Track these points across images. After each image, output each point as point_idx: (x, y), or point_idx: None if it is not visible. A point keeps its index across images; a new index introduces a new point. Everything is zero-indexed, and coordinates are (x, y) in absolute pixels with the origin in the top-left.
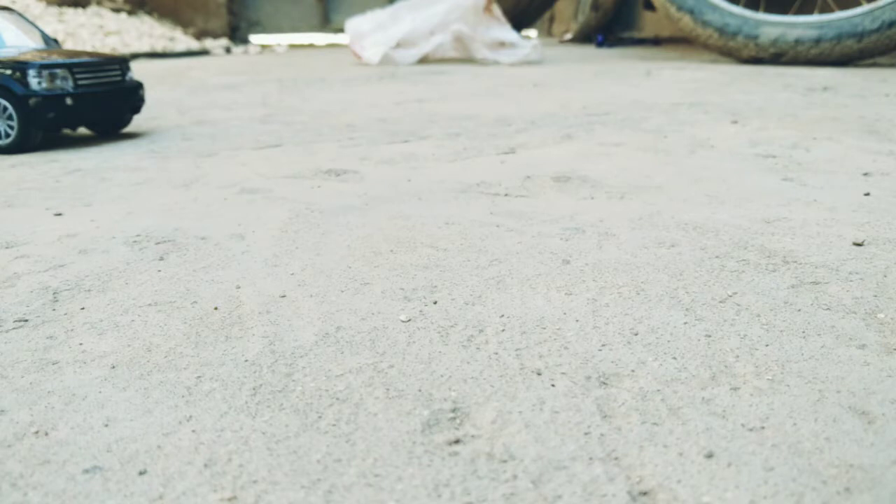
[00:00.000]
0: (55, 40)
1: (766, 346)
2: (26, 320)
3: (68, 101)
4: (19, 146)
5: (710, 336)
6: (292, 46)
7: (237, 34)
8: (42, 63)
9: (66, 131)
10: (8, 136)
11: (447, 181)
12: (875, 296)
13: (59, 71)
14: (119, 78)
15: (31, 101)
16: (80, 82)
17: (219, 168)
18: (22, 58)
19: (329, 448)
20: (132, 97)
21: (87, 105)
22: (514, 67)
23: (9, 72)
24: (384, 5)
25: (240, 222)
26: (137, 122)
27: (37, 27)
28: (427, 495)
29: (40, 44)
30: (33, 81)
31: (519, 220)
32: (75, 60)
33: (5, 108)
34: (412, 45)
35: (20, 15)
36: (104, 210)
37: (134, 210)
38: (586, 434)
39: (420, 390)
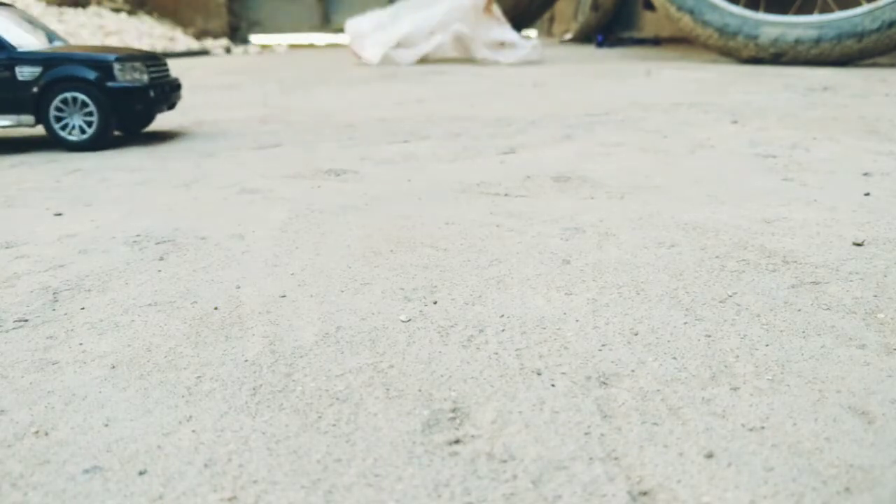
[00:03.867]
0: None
1: (766, 346)
2: (26, 320)
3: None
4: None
5: (710, 336)
6: (292, 46)
7: (237, 34)
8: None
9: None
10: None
11: (447, 181)
12: (875, 296)
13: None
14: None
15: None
16: (153, 76)
17: (219, 168)
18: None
19: (329, 448)
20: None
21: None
22: (514, 67)
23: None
24: (384, 5)
25: (240, 222)
26: None
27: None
28: (427, 495)
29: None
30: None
31: (519, 220)
32: (148, 54)
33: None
34: (412, 45)
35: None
36: (104, 210)
37: (134, 210)
38: (586, 434)
39: (420, 390)
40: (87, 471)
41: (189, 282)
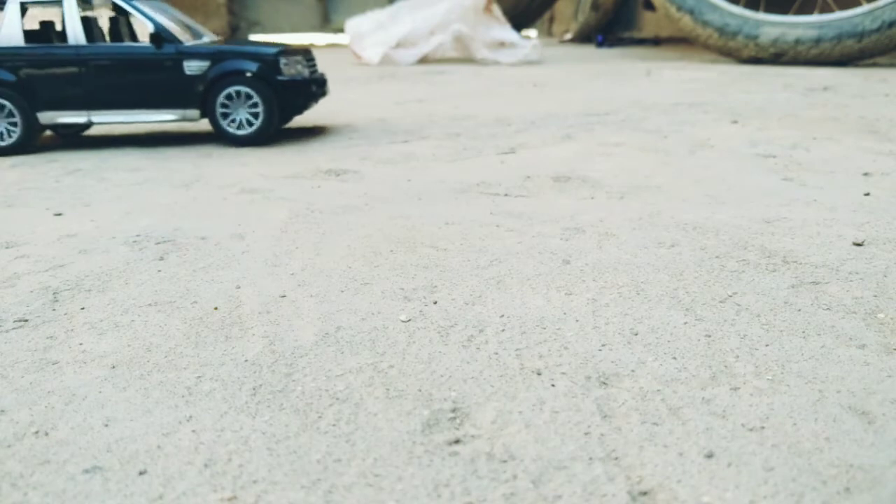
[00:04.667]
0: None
1: (766, 346)
2: (26, 320)
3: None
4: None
5: (710, 336)
6: None
7: (237, 34)
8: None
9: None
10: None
11: (447, 181)
12: (875, 296)
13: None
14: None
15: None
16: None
17: (218, 168)
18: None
19: (329, 448)
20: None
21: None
22: (514, 67)
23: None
24: (384, 5)
25: (240, 222)
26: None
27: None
28: (427, 495)
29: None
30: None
31: (519, 220)
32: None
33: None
34: (412, 44)
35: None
36: (104, 210)
37: (134, 210)
38: (586, 434)
39: (420, 390)
40: (87, 471)
41: (189, 282)
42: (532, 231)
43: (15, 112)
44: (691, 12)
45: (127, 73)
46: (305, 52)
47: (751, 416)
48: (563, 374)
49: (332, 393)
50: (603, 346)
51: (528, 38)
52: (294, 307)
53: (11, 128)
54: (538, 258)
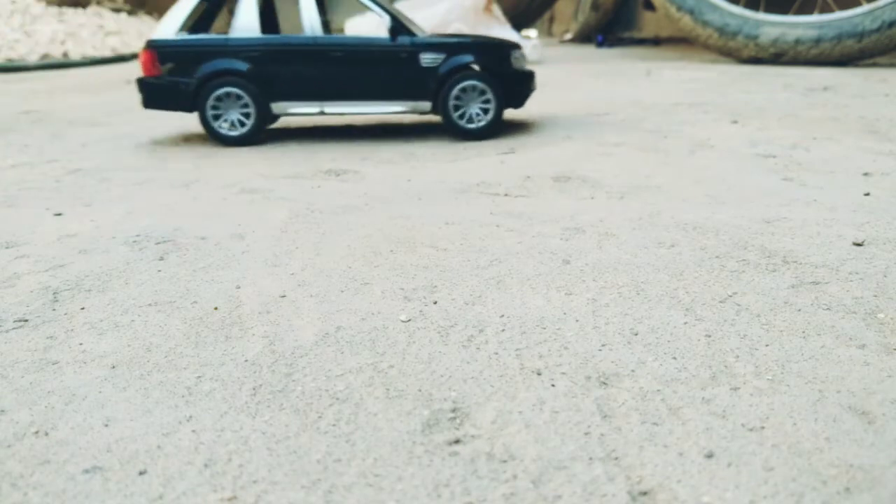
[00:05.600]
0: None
1: (766, 346)
2: (26, 320)
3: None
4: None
5: (710, 336)
6: None
7: None
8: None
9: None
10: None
11: (447, 181)
12: (875, 296)
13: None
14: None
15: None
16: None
17: (219, 168)
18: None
19: (329, 448)
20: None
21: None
22: None
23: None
24: None
25: (240, 222)
26: (138, 122)
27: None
28: (427, 495)
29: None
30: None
31: (519, 220)
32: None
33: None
34: None
35: None
36: (104, 210)
37: (134, 210)
38: (586, 434)
39: (420, 390)
40: (87, 471)
41: (189, 282)
42: (532, 231)
43: (249, 102)
44: (691, 12)
45: (362, 65)
46: (519, 46)
47: (751, 416)
48: (563, 374)
49: (332, 393)
50: (603, 346)
51: (528, 37)
52: (294, 307)
53: (244, 118)
54: (538, 258)
